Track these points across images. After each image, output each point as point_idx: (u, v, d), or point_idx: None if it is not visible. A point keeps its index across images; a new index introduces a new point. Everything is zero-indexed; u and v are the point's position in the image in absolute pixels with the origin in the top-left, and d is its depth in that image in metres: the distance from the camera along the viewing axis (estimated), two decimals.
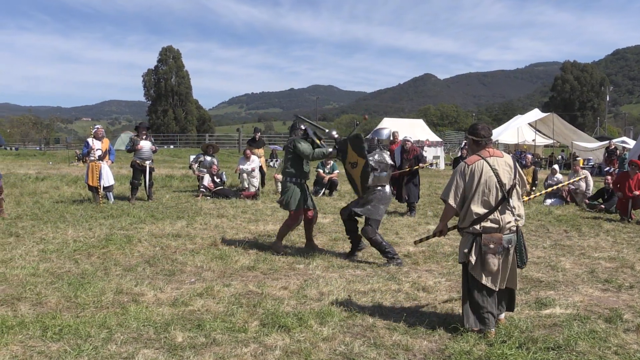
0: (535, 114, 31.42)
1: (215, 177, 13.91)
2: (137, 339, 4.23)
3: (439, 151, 30.18)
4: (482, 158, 4.45)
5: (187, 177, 18.68)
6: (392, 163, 7.63)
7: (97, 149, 11.77)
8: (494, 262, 4.27)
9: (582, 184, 13.25)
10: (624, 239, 8.92)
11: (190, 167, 15.55)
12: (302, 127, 7.67)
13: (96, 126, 12.53)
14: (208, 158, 14.28)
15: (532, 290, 5.74)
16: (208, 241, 8.10)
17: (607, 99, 75.55)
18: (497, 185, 4.35)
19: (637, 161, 11.51)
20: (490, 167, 4.39)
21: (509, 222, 4.35)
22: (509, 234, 4.36)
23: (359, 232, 7.29)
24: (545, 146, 35.92)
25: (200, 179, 14.02)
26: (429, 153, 28.42)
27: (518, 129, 30.91)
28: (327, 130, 7.93)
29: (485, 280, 4.35)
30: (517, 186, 4.47)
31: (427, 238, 5.44)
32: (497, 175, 4.37)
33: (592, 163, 27.65)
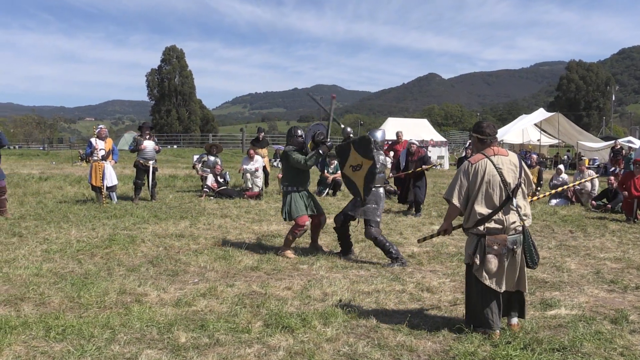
0: (541, 113, 31.32)
1: (218, 177, 13.90)
2: (140, 340, 4.22)
3: (444, 151, 30.11)
4: (486, 157, 4.38)
5: (190, 177, 18.71)
6: (387, 164, 7.59)
7: (100, 149, 11.77)
8: (493, 262, 4.22)
9: (588, 184, 13.19)
10: (630, 240, 8.87)
11: (193, 167, 15.54)
12: (299, 132, 7.53)
13: (99, 126, 12.54)
14: (211, 158, 14.28)
15: (537, 291, 5.71)
16: (211, 241, 8.09)
17: (613, 98, 75.37)
18: (501, 185, 4.28)
19: None
20: (495, 166, 4.32)
21: (514, 223, 4.27)
22: (514, 234, 4.28)
23: (351, 240, 7.40)
24: (551, 146, 35.81)
25: (203, 179, 14.02)
26: (433, 153, 28.39)
27: (523, 129, 30.82)
28: (342, 126, 7.72)
29: (490, 282, 4.28)
30: (523, 185, 4.39)
31: (431, 237, 5.39)
32: (501, 174, 4.29)
33: (597, 163, 27.54)
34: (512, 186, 4.30)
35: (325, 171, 14.48)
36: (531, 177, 4.57)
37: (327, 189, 14.41)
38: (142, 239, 8.08)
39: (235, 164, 23.20)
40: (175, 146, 47.94)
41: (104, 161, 11.72)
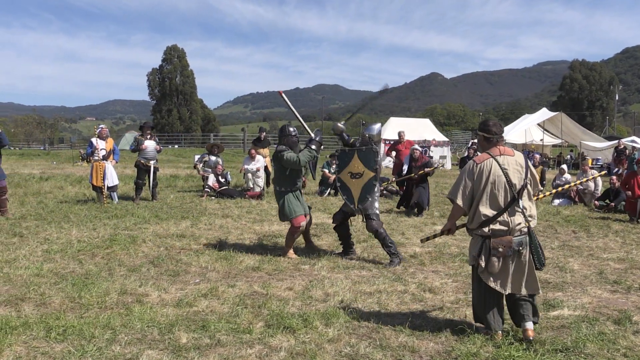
0: (543, 113, 31.24)
1: (220, 177, 13.89)
2: (141, 340, 4.21)
3: (446, 151, 30.05)
4: (492, 156, 4.29)
5: (191, 177, 18.70)
6: (381, 160, 7.59)
7: (101, 149, 11.76)
8: (497, 264, 4.16)
9: (591, 184, 13.15)
10: (633, 240, 8.83)
11: (194, 167, 15.53)
12: (292, 131, 7.41)
13: (100, 126, 12.53)
14: (213, 158, 14.26)
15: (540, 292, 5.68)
16: (213, 241, 8.08)
17: (616, 98, 75.03)
18: (507, 186, 4.20)
19: None
20: (500, 166, 4.23)
21: (519, 224, 4.19)
22: (519, 235, 4.19)
23: (352, 239, 7.42)
24: (554, 146, 35.68)
25: (204, 179, 14.01)
26: (435, 153, 28.34)
27: (526, 129, 30.74)
28: (312, 131, 7.62)
29: (494, 284, 4.23)
30: (529, 186, 4.29)
31: (434, 237, 5.32)
32: (506, 175, 4.21)
33: (600, 163, 27.47)
34: (518, 187, 4.21)
35: (327, 171, 14.47)
36: (537, 177, 4.48)
37: (329, 189, 14.39)
38: (143, 239, 8.07)
39: (237, 164, 23.16)
40: (176, 146, 47.95)
41: (105, 161, 11.71)
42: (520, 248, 4.19)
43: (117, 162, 12.41)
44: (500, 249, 4.15)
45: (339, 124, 7.57)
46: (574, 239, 8.90)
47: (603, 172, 12.59)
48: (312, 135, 7.44)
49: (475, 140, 25.27)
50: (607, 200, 12.35)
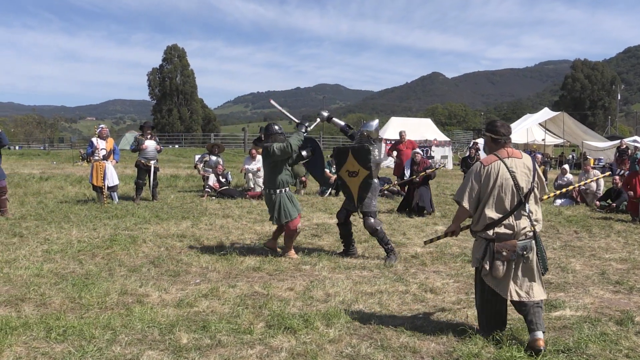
0: (545, 113, 31.24)
1: (220, 177, 13.88)
2: (141, 340, 4.20)
3: (447, 151, 30.08)
4: (500, 159, 4.19)
5: (192, 177, 18.69)
6: (382, 159, 7.60)
7: (101, 149, 11.76)
8: (501, 268, 4.07)
9: (593, 184, 13.12)
10: (636, 240, 8.81)
11: (195, 167, 15.51)
12: (277, 127, 7.30)
13: (100, 125, 12.52)
14: (213, 158, 14.25)
15: None
16: (213, 242, 8.07)
17: (619, 97, 75.08)
18: (514, 189, 4.11)
19: None
20: (508, 169, 4.13)
21: (525, 228, 4.09)
22: (524, 239, 4.09)
23: (353, 237, 7.45)
24: (555, 146, 35.66)
25: (205, 178, 13.99)
26: (436, 152, 28.34)
27: (527, 129, 30.72)
28: (298, 122, 7.58)
29: (498, 289, 4.15)
30: (536, 190, 4.20)
31: (438, 238, 5.27)
32: (514, 178, 4.11)
33: (603, 163, 27.43)
34: (525, 190, 4.13)
35: (328, 171, 14.45)
36: (544, 181, 4.39)
37: (330, 189, 14.37)
38: (144, 239, 8.06)
39: (237, 164, 23.14)
40: (176, 146, 47.95)
41: (105, 161, 11.70)
42: (525, 252, 4.09)
43: (117, 162, 12.40)
44: (504, 253, 4.06)
45: (323, 113, 7.67)
46: (576, 239, 8.88)
47: (607, 173, 12.52)
48: (299, 121, 7.44)
49: (477, 140, 25.20)
50: (609, 200, 12.33)
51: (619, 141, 26.79)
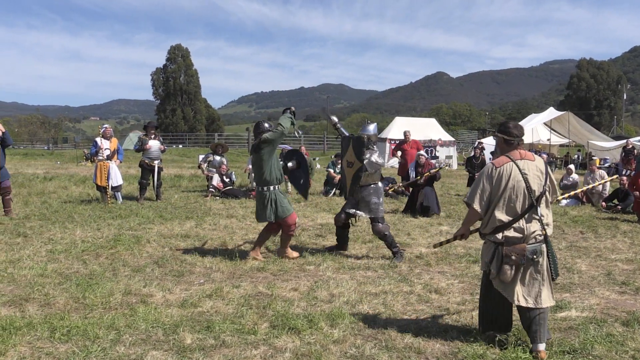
0: (550, 112, 31.09)
1: (224, 177, 13.87)
2: (145, 341, 4.20)
3: (452, 151, 29.98)
4: (512, 160, 4.10)
5: (196, 177, 18.69)
6: (383, 162, 7.65)
7: (105, 149, 11.76)
8: (509, 272, 3.99)
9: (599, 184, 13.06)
10: None
11: (199, 167, 15.53)
12: (266, 125, 7.16)
13: (104, 125, 12.52)
14: (217, 158, 14.25)
15: None
16: (217, 242, 8.06)
17: (624, 97, 74.60)
18: (526, 192, 4.03)
19: None
20: (520, 171, 4.06)
21: (535, 231, 4.01)
22: (534, 243, 4.00)
23: (348, 236, 7.55)
24: (561, 146, 35.50)
25: (209, 178, 13.99)
26: (441, 152, 28.27)
27: (533, 129, 30.61)
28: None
29: (506, 293, 4.08)
30: (547, 193, 4.12)
31: (448, 242, 5.17)
32: (526, 180, 4.04)
33: (608, 163, 27.31)
34: (537, 193, 4.05)
35: (332, 171, 14.44)
36: (556, 184, 4.30)
37: (334, 189, 14.36)
38: (148, 239, 8.05)
39: (241, 164, 23.18)
40: (180, 146, 48.00)
41: (109, 161, 11.71)
42: (535, 256, 4.00)
43: (121, 162, 12.40)
44: (513, 257, 3.97)
45: (334, 118, 7.72)
46: (582, 239, 8.83)
47: (615, 176, 12.40)
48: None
49: (482, 140, 25.09)
50: (616, 201, 12.25)
51: (625, 141, 26.65)
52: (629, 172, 20.13)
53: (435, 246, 5.39)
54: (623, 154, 24.53)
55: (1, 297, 5.19)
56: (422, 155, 11.93)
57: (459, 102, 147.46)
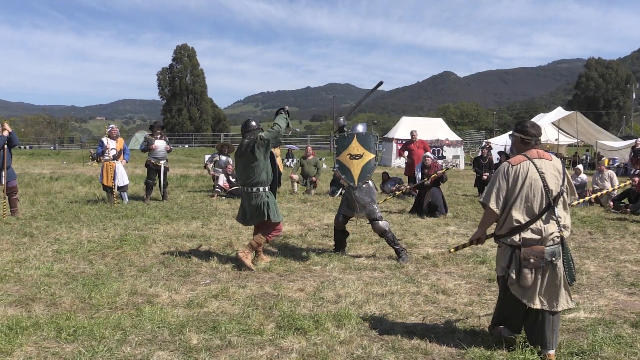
0: (559, 112, 30.95)
1: (230, 177, 13.88)
2: (151, 341, 4.19)
3: (459, 151, 29.92)
4: (529, 159, 3.99)
5: (202, 177, 18.73)
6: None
7: (111, 149, 11.79)
8: (529, 277, 3.87)
9: (608, 184, 12.96)
10: None
11: (205, 167, 15.54)
12: (254, 123, 7.02)
13: (110, 125, 12.55)
14: (223, 157, 14.26)
15: None
16: (223, 242, 8.06)
17: (633, 96, 73.94)
18: (543, 191, 3.90)
19: None
20: (537, 169, 3.94)
21: (552, 233, 3.89)
22: (552, 245, 3.88)
23: (345, 241, 7.57)
24: (569, 145, 35.30)
25: (215, 178, 14.00)
26: (448, 152, 28.20)
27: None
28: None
29: (525, 299, 3.95)
30: (565, 194, 3.99)
31: (464, 246, 4.87)
32: (543, 179, 3.92)
33: (617, 163, 27.14)
34: (554, 193, 3.93)
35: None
36: (573, 186, 4.17)
37: (341, 189, 14.33)
38: (154, 239, 8.06)
39: None
40: (186, 146, 48.16)
41: (115, 161, 11.74)
42: (554, 259, 3.89)
43: (127, 162, 12.42)
44: (532, 260, 3.84)
45: (341, 119, 7.70)
46: (590, 240, 8.77)
47: (628, 182, 12.25)
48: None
49: (489, 140, 24.94)
50: (626, 200, 12.14)
51: (633, 141, 26.44)
52: (638, 171, 19.98)
53: (451, 251, 5.16)
54: (632, 154, 24.34)
55: (8, 297, 5.21)
56: (428, 156, 11.89)
57: (466, 101, 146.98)
